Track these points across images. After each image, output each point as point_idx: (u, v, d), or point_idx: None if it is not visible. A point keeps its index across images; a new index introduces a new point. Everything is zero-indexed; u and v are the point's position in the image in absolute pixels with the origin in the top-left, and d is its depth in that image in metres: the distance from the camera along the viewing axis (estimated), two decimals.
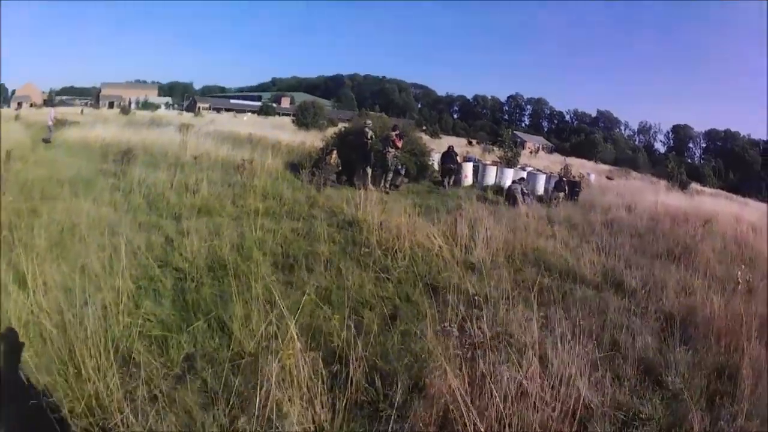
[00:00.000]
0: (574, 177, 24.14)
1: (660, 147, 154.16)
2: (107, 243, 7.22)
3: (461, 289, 6.78)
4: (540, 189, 22.27)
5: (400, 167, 18.35)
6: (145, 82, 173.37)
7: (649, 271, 9.42)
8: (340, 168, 17.91)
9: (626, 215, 16.70)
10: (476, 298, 6.00)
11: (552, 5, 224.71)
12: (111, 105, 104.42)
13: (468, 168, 22.61)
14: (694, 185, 46.08)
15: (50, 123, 27.01)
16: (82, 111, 68.84)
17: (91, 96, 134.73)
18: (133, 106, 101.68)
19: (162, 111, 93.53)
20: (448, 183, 20.92)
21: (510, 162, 25.47)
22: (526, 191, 18.81)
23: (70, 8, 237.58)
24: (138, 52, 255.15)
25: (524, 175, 22.27)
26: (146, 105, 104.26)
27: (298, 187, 14.90)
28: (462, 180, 21.90)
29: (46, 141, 23.49)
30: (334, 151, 18.17)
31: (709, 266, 10.35)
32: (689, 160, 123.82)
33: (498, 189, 20.76)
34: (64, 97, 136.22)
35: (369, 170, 17.72)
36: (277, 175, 16.29)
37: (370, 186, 16.40)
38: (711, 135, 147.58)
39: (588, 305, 7.11)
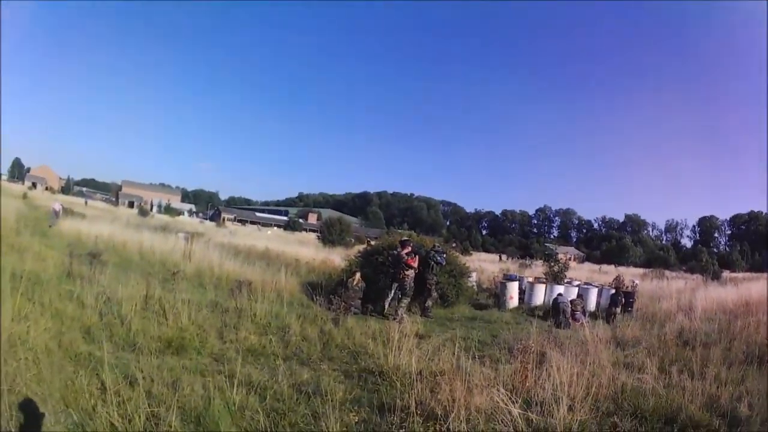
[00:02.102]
0: (627, 287, 21.22)
1: (687, 242, 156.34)
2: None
3: None
4: (593, 304, 19.57)
5: (432, 291, 15.58)
6: (169, 186, 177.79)
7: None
8: (363, 293, 15.09)
9: (689, 321, 14.63)
10: None
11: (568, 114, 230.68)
12: (131, 205, 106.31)
13: (513, 288, 19.53)
14: (726, 273, 49.06)
15: (57, 209, 28.19)
16: (86, 203, 69.08)
17: (110, 191, 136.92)
18: (154, 209, 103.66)
19: (184, 217, 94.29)
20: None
21: (557, 277, 22.47)
22: (584, 310, 16.95)
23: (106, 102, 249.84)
24: (163, 156, 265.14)
25: (575, 290, 19.75)
26: (168, 209, 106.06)
27: (310, 316, 11.81)
28: (507, 302, 18.87)
29: (50, 226, 24.63)
30: (358, 273, 15.34)
31: None
32: (715, 250, 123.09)
33: (547, 310, 17.70)
34: (83, 189, 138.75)
35: (391, 293, 15.13)
36: (290, 299, 13.71)
37: (403, 315, 13.82)
38: (735, 220, 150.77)
39: None
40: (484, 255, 71.69)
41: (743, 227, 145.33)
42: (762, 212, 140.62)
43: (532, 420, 6.04)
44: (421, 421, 5.75)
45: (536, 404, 6.42)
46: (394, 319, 13.14)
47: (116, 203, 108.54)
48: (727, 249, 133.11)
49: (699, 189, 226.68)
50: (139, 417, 5.06)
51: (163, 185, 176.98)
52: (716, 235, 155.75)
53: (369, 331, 10.53)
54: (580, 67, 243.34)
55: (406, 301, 14.66)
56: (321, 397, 6.23)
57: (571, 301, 16.81)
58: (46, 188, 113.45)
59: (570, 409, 6.26)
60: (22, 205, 31.33)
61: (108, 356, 6.35)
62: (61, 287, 10.50)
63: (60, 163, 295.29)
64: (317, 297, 13.45)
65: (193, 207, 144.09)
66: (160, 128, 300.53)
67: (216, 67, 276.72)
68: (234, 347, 8.49)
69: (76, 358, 6.82)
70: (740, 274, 54.27)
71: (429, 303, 15.30)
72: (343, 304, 12.48)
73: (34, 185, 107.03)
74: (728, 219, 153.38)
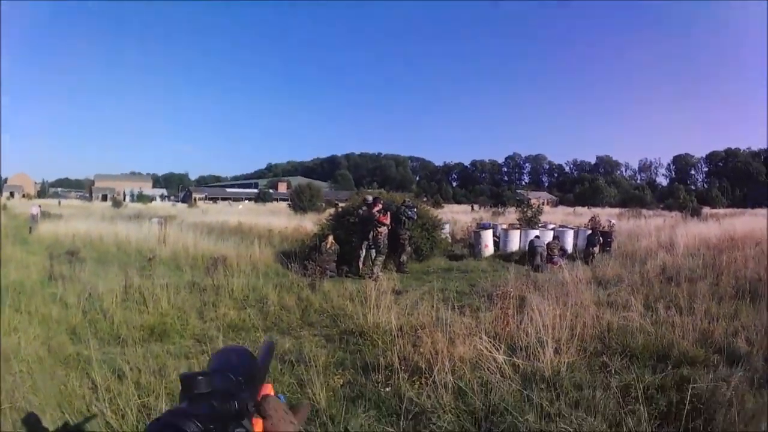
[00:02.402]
0: (603, 227, 21.34)
1: (662, 180, 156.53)
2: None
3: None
4: (569, 246, 19.67)
5: (406, 245, 15.68)
6: (139, 173, 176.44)
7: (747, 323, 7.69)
8: (338, 255, 15.14)
9: (671, 258, 14.81)
10: None
11: (536, 55, 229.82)
12: (104, 197, 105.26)
13: (488, 236, 19.57)
14: (705, 209, 49.08)
15: (35, 213, 27.93)
16: (59, 203, 68.92)
17: (84, 188, 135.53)
18: (127, 198, 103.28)
19: (157, 203, 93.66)
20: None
21: (531, 222, 22.53)
22: (563, 251, 17.42)
23: (71, 101, 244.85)
24: (133, 144, 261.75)
25: (550, 234, 19.99)
26: (141, 197, 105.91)
27: (287, 285, 11.75)
28: (482, 250, 18.93)
29: (31, 231, 24.96)
30: (330, 236, 15.36)
31: None
32: (693, 187, 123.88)
33: (523, 255, 17.91)
34: (58, 189, 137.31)
35: (363, 252, 15.11)
36: (265, 270, 13.62)
37: (379, 273, 13.98)
38: (712, 158, 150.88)
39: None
40: (456, 207, 71.78)
41: (720, 164, 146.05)
42: (740, 149, 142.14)
43: (518, 365, 6.06)
44: (406, 377, 5.75)
45: (521, 349, 6.45)
46: (371, 277, 13.11)
47: (90, 198, 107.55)
48: (705, 186, 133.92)
49: (672, 128, 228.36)
50: (131, 410, 4.97)
51: (133, 173, 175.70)
52: (692, 172, 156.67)
53: (346, 293, 10.57)
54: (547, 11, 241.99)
55: (381, 258, 14.72)
56: (305, 364, 6.19)
57: (548, 244, 17.07)
58: (23, 195, 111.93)
59: (556, 351, 6.29)
60: (3, 217, 30.93)
61: (95, 353, 6.28)
62: (45, 291, 10.40)
63: (36, 167, 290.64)
64: (292, 264, 13.41)
65: (164, 191, 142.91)
66: (125, 117, 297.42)
67: (174, 47, 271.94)
68: (215, 325, 8.43)
69: (65, 360, 6.74)
70: (721, 210, 54.89)
71: (403, 258, 15.39)
72: (319, 268, 12.43)
73: (12, 194, 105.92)
74: (704, 156, 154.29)
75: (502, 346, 6.37)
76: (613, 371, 6.03)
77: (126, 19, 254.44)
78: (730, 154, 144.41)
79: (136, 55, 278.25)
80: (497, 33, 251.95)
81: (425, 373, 5.77)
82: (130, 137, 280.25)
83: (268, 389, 1.26)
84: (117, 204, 65.32)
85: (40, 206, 33.24)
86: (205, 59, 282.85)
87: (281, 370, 6.25)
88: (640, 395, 4.95)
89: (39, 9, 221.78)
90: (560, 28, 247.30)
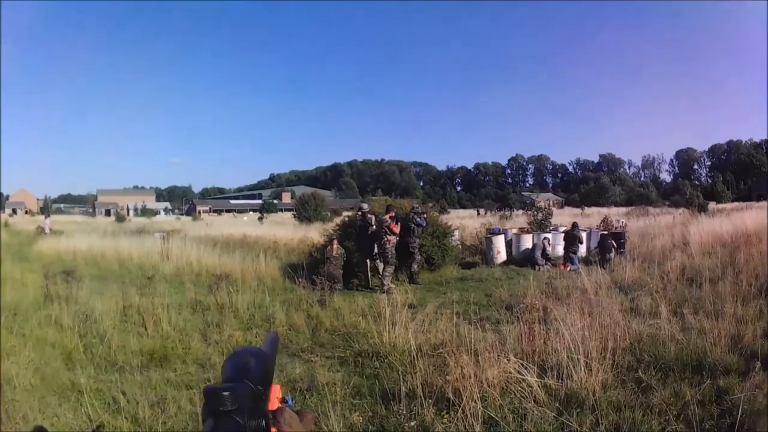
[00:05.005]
0: (615, 228, 20.81)
1: (666, 176, 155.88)
2: None
3: None
4: (583, 249, 19.04)
5: (416, 254, 15.09)
6: (143, 187, 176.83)
7: None
8: (344, 260, 14.64)
9: (687, 258, 14.36)
10: None
11: (536, 55, 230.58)
12: (108, 212, 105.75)
13: (500, 242, 19.06)
14: (711, 204, 49.27)
15: (47, 231, 29.58)
16: (48, 224, 68.64)
17: (87, 203, 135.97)
18: (131, 212, 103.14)
19: (161, 216, 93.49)
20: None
21: (542, 225, 21.99)
22: (577, 256, 17.17)
23: (71, 115, 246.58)
24: (135, 158, 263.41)
25: (562, 236, 19.27)
26: (144, 211, 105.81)
27: (295, 301, 11.28)
28: (495, 257, 18.48)
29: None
30: (335, 241, 14.86)
31: None
32: (697, 182, 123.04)
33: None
34: (61, 205, 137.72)
35: (380, 264, 14.53)
36: (271, 285, 13.30)
37: (389, 284, 13.57)
38: (714, 150, 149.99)
39: None
40: (461, 211, 71.27)
41: (723, 157, 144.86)
42: (741, 141, 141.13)
43: (550, 386, 5.56)
44: (430, 406, 5.22)
45: (550, 368, 5.95)
46: (382, 291, 12.73)
47: (94, 214, 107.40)
48: (709, 180, 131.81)
49: (673, 122, 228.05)
50: None
51: (137, 188, 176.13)
52: (696, 167, 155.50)
53: (358, 309, 10.12)
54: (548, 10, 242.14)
55: (390, 269, 14.19)
56: (317, 392, 5.76)
57: (565, 248, 17.43)
58: (26, 212, 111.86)
59: (587, 367, 5.77)
60: (4, 234, 30.92)
61: (90, 381, 6.00)
62: (41, 313, 9.98)
63: (37, 184, 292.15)
64: (299, 279, 12.88)
65: (168, 204, 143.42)
66: (126, 131, 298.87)
67: (172, 62, 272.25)
68: (219, 349, 7.99)
69: (59, 389, 6.34)
70: (728, 205, 54.24)
71: (415, 267, 14.88)
72: (328, 283, 11.88)
73: (14, 211, 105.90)
74: (707, 150, 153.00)
75: (532, 365, 5.79)
76: (649, 387, 5.57)
77: (127, 28, 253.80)
78: (732, 146, 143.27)
79: (134, 66, 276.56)
80: (496, 34, 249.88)
81: (453, 403, 5.23)
82: (132, 151, 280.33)
83: (277, 391, 1.15)
84: (120, 219, 65.01)
85: (49, 218, 34.34)
86: (204, 68, 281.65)
87: (294, 399, 5.71)
88: (680, 413, 4.69)
89: (41, 17, 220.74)
90: (558, 27, 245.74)
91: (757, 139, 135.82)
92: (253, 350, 1.13)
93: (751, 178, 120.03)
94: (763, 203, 43.23)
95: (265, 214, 72.28)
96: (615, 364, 6.07)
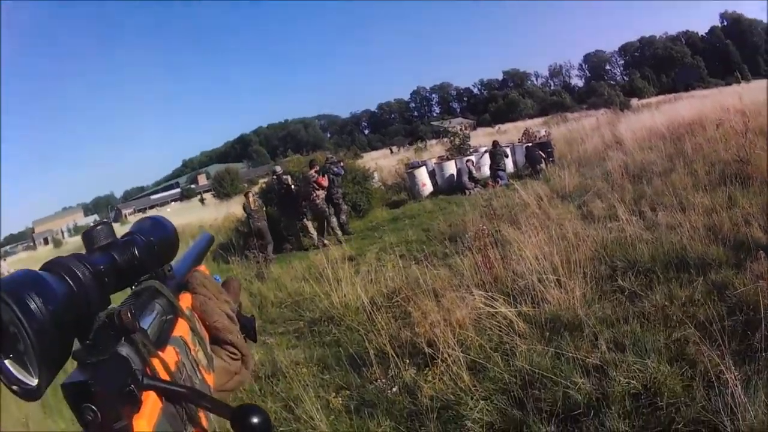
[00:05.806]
0: (540, 139, 20.72)
1: (578, 81, 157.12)
2: None
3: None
4: (510, 165, 19.16)
5: (342, 204, 14.92)
6: (70, 207, 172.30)
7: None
8: (264, 208, 14.44)
9: (625, 156, 13.92)
10: None
11: None
12: (46, 241, 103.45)
13: (422, 174, 18.95)
14: (634, 101, 47.92)
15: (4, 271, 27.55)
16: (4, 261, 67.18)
17: (28, 238, 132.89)
18: (66, 234, 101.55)
19: None
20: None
21: (461, 149, 21.78)
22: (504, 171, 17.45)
23: None
24: (55, 180, 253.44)
25: (481, 155, 19.60)
26: (77, 229, 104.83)
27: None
28: (421, 190, 18.39)
29: None
30: (249, 194, 14.53)
31: None
32: (613, 82, 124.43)
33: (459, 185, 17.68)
34: (6, 248, 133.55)
35: (309, 223, 14.38)
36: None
37: (324, 240, 13.55)
38: (626, 49, 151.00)
39: None
40: (374, 153, 70.94)
41: (637, 54, 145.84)
42: (655, 36, 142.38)
43: (527, 314, 5.19)
44: (406, 364, 4.80)
45: (519, 294, 5.57)
46: (316, 246, 12.78)
47: (34, 246, 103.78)
48: (625, 79, 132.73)
49: (577, 28, 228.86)
50: None
51: (65, 209, 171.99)
52: (608, 67, 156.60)
53: (298, 274, 9.90)
54: None
55: (343, 217, 14.63)
56: (283, 376, 5.26)
57: (491, 167, 17.58)
58: None
59: (559, 285, 5.44)
60: None
61: None
62: None
63: None
64: (231, 257, 12.49)
65: (96, 217, 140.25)
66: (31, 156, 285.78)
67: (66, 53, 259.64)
68: None
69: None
70: (652, 99, 54.15)
71: (343, 218, 14.78)
72: (261, 254, 11.87)
73: None
74: (617, 50, 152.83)
75: (498, 295, 5.41)
76: (635, 295, 5.19)
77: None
78: (645, 42, 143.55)
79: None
80: None
81: (430, 356, 4.74)
82: (47, 172, 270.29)
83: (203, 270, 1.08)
84: (57, 244, 65.12)
85: (5, 261, 34.24)
86: (91, 63, 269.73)
87: (261, 390, 5.22)
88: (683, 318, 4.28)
89: None
90: None
91: (672, 32, 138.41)
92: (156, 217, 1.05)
93: (674, 70, 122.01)
94: (693, 93, 44.36)
95: (204, 197, 70.86)
96: (587, 276, 5.63)
